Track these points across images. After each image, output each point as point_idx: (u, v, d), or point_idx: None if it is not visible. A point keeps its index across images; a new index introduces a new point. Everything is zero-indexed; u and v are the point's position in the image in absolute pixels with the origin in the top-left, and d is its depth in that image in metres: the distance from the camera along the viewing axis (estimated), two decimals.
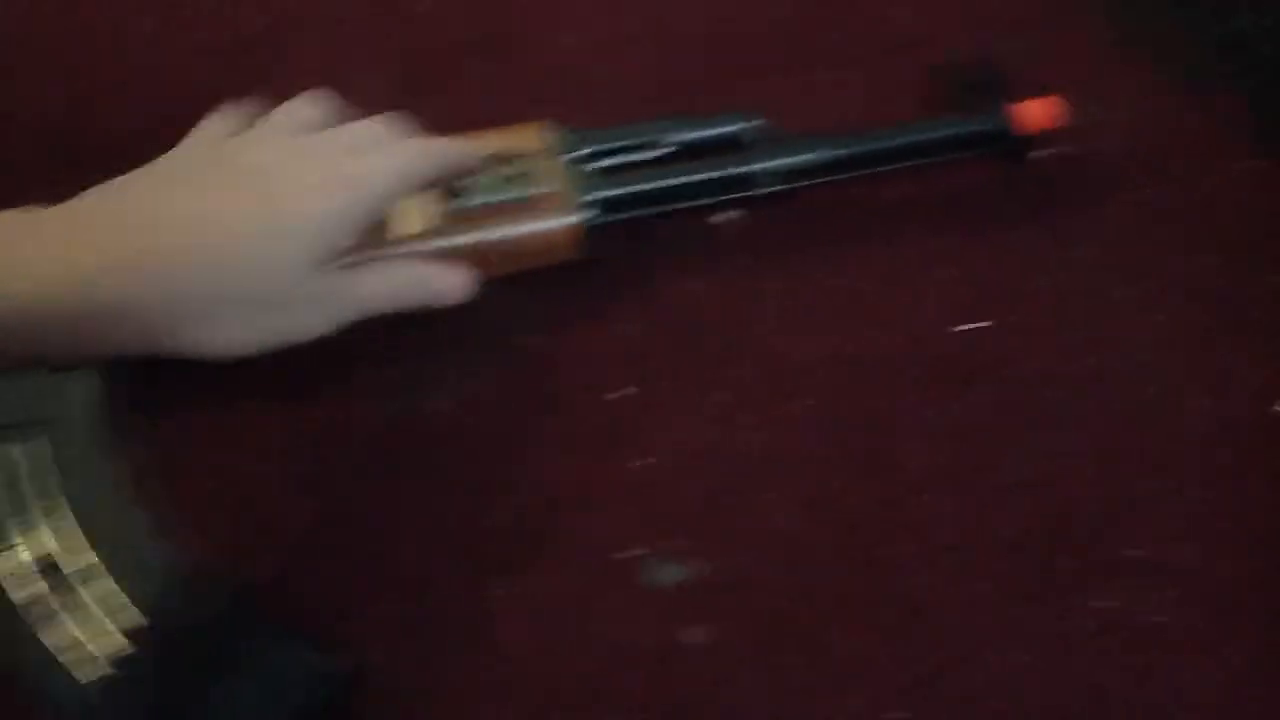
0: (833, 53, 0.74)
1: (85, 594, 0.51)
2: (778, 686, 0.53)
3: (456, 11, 0.75)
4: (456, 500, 0.58)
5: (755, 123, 0.67)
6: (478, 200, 0.61)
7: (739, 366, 0.62)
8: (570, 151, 0.63)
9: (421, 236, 0.60)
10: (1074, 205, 0.68)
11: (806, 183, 0.66)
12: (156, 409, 0.57)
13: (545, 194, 0.61)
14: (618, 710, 0.53)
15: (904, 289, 0.65)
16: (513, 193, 0.61)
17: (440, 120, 0.59)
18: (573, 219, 0.62)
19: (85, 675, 0.49)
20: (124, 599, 0.51)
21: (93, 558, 0.52)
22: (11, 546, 0.52)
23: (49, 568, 0.51)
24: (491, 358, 0.62)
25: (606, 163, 0.64)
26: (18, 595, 0.51)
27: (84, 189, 0.52)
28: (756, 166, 0.64)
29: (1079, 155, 0.69)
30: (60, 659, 0.49)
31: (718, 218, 0.67)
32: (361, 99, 0.58)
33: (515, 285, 0.60)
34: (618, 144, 0.65)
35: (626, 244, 0.64)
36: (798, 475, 0.59)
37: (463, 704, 0.52)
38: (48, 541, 0.52)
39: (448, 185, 0.60)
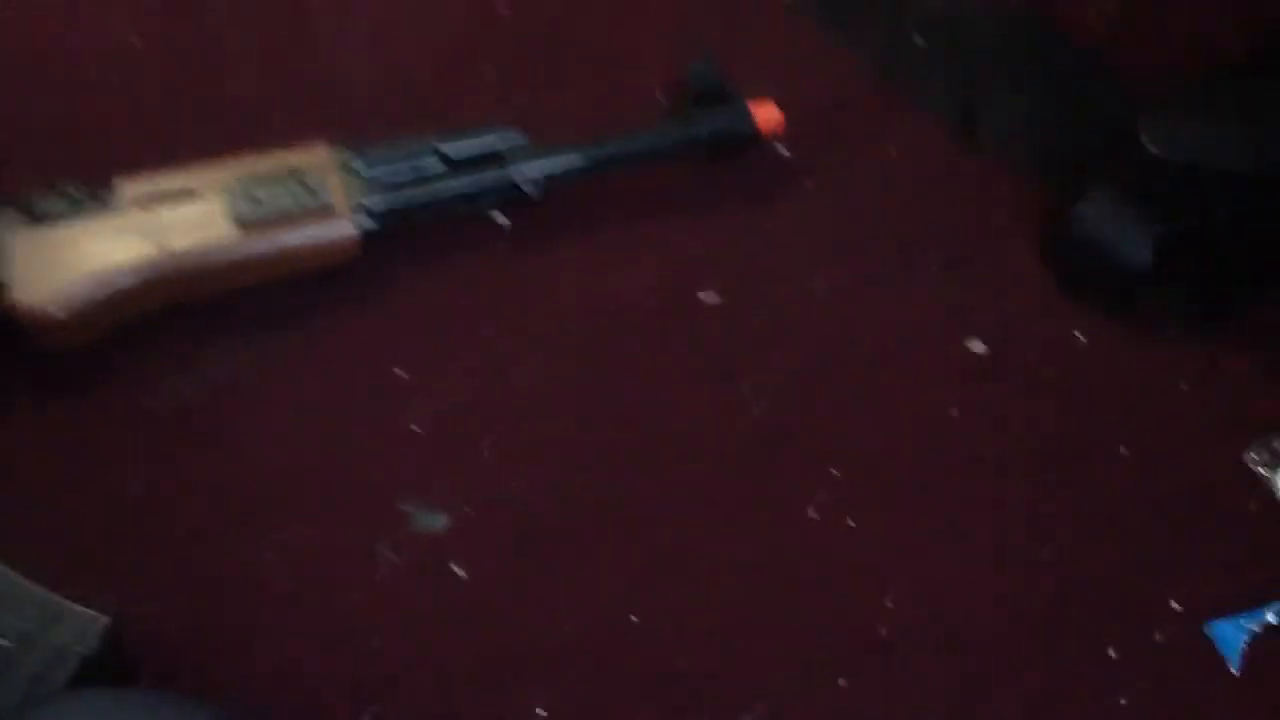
0: (571, 72, 0.85)
1: None
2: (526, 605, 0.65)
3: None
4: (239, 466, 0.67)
5: (513, 138, 0.77)
6: (264, 211, 0.70)
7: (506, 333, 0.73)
8: (348, 166, 0.73)
9: (215, 247, 0.69)
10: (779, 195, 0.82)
11: (563, 184, 0.76)
12: None
13: (325, 205, 0.71)
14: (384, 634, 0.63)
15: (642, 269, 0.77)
16: (296, 204, 0.71)
17: (229, 139, 0.68)
18: (351, 228, 0.71)
19: None
20: None
21: None
22: None
23: None
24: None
25: (382, 177, 0.74)
26: None
27: None
28: (518, 175, 0.75)
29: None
30: None
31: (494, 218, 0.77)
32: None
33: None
34: (392, 160, 0.75)
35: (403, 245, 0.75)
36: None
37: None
38: None
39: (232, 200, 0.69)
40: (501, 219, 0.78)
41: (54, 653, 0.57)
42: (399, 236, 0.74)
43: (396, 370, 0.72)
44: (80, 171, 0.70)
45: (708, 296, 0.78)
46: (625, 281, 0.77)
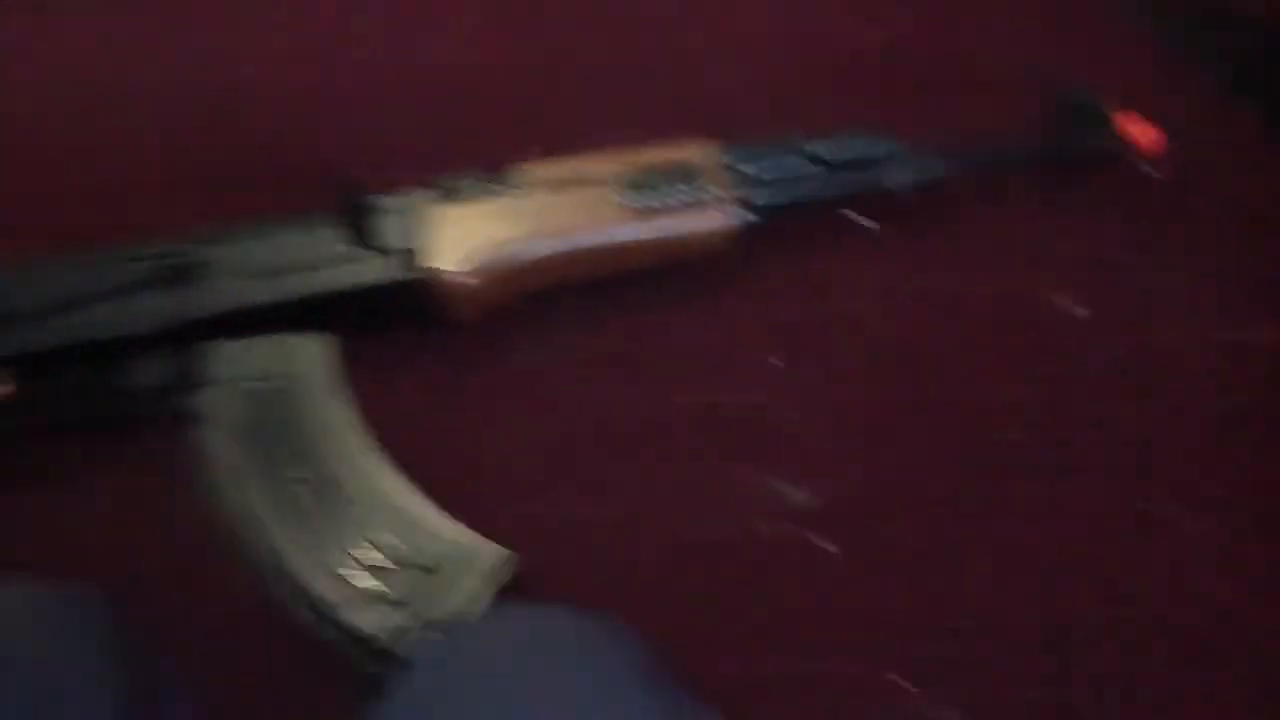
0: (935, 88, 0.86)
1: None
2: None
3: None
4: None
5: (884, 140, 0.78)
6: (652, 199, 0.73)
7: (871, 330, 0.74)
8: (728, 162, 0.76)
9: (608, 230, 0.73)
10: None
11: (931, 189, 0.77)
12: None
13: (708, 197, 0.74)
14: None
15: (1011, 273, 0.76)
16: (680, 194, 0.74)
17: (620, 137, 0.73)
18: (730, 219, 0.74)
19: None
20: None
21: None
22: None
23: None
24: None
25: (762, 175, 0.76)
26: None
27: None
28: (888, 178, 0.76)
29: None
30: None
31: (860, 220, 0.78)
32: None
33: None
34: (773, 159, 0.77)
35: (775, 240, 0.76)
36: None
37: None
38: None
39: (623, 187, 0.73)
40: (867, 222, 0.79)
41: (471, 582, 0.60)
42: (771, 232, 0.76)
43: (772, 359, 0.73)
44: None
45: (1070, 307, 0.76)
46: (990, 286, 0.76)
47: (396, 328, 0.73)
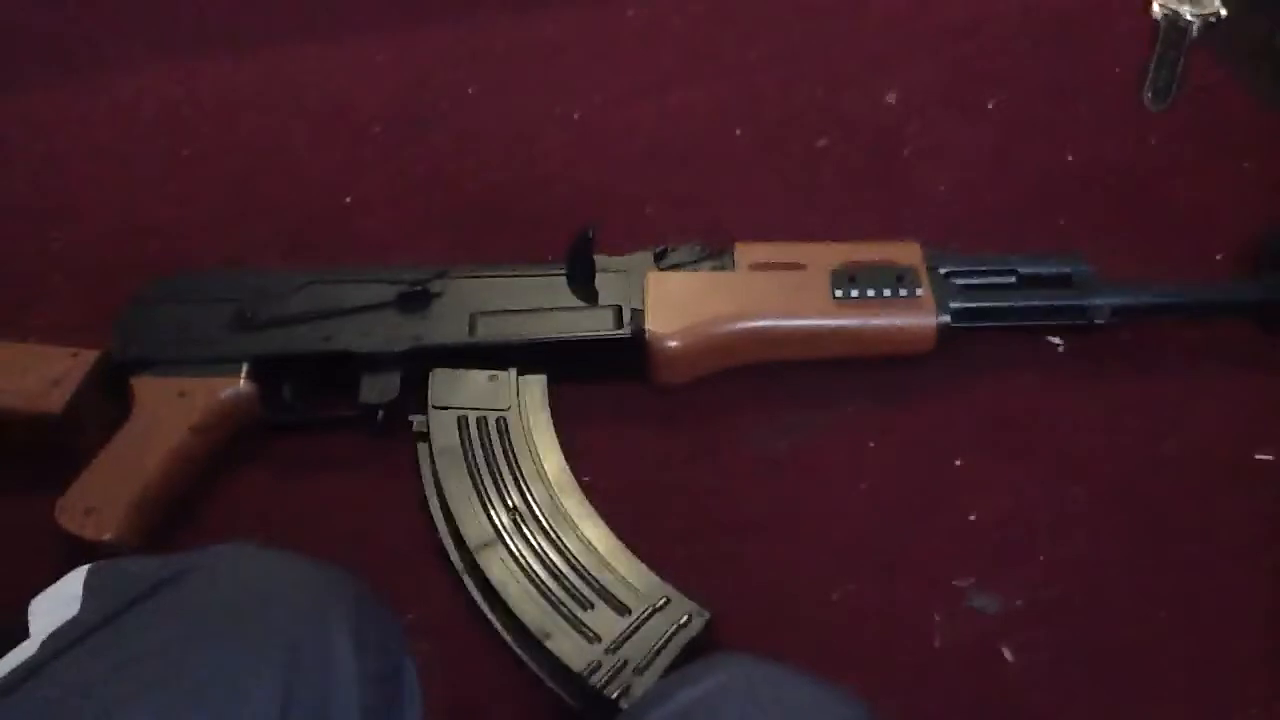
0: (1131, 220, 0.88)
1: None
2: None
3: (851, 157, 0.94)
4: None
5: (1084, 268, 0.81)
6: (860, 291, 0.77)
7: (1057, 451, 0.76)
8: (935, 267, 0.79)
9: (814, 316, 0.77)
10: None
11: (1126, 319, 0.79)
12: None
13: (913, 296, 0.77)
14: None
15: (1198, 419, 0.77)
16: (887, 290, 0.77)
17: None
18: (932, 320, 0.77)
19: None
20: None
21: None
22: None
23: None
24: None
25: (961, 281, 0.80)
26: None
27: None
28: (1094, 300, 0.78)
29: None
30: None
31: (1052, 338, 0.81)
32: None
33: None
34: (972, 267, 0.80)
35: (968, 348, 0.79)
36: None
37: None
38: None
39: (833, 277, 0.77)
40: (1056, 340, 0.81)
41: (662, 631, 0.64)
42: (966, 338, 0.79)
43: (957, 461, 0.75)
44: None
45: (1267, 457, 0.76)
46: (1180, 428, 0.77)
47: (605, 378, 0.78)
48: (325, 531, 0.72)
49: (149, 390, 0.73)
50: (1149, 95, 1.00)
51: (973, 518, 0.73)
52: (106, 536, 0.67)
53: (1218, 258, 0.86)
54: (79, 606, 0.49)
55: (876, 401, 0.78)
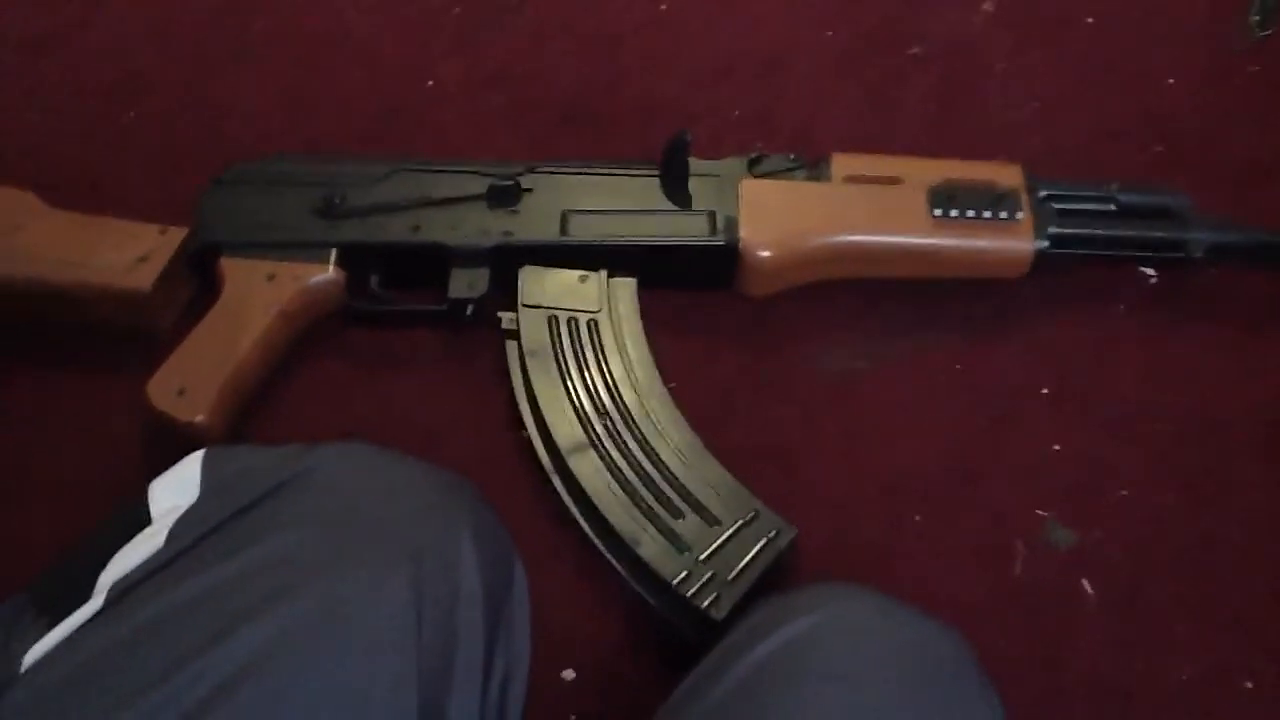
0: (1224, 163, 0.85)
1: None
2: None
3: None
4: None
5: (1184, 200, 0.79)
6: (959, 211, 0.75)
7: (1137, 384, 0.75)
8: (1035, 190, 0.77)
9: (910, 233, 0.75)
10: None
11: (1224, 259, 0.77)
12: None
13: (1012, 217, 0.75)
14: None
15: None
16: (987, 211, 0.75)
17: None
18: (1029, 244, 0.75)
19: None
20: None
21: None
22: None
23: None
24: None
25: (1061, 205, 0.78)
26: None
27: None
28: (1192, 234, 0.76)
29: None
30: None
31: (1145, 270, 0.79)
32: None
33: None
34: (1073, 191, 0.78)
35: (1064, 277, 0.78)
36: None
37: None
38: None
39: (933, 194, 0.75)
40: (1150, 272, 0.80)
41: (751, 545, 0.64)
42: (1060, 265, 0.77)
43: (1044, 390, 0.75)
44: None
45: None
46: (1260, 376, 0.76)
47: (694, 285, 0.77)
48: (406, 427, 0.72)
49: (239, 272, 0.72)
50: (1255, 19, 0.97)
51: (1057, 447, 0.72)
52: (199, 419, 0.67)
53: None
54: (198, 493, 0.49)
55: (965, 327, 0.77)
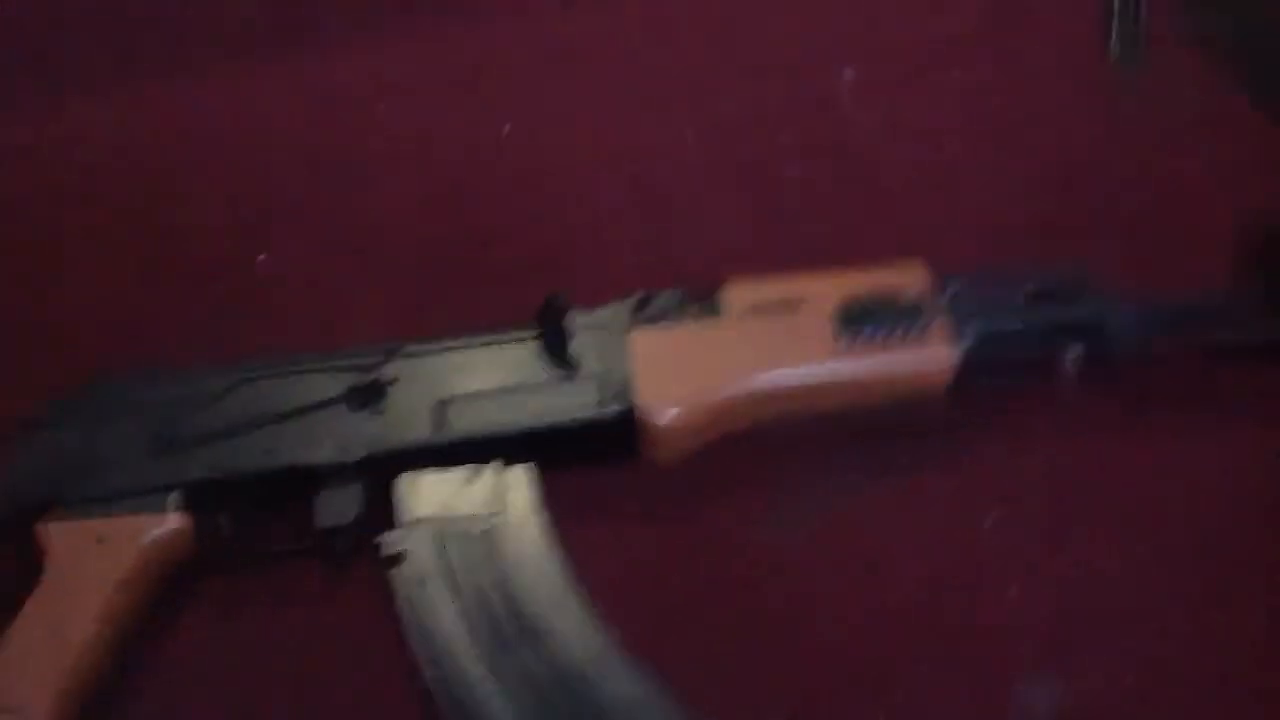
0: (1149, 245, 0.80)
1: None
2: None
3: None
4: None
5: (1084, 269, 0.72)
6: (867, 330, 0.68)
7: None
8: (945, 289, 0.70)
9: (820, 362, 0.68)
10: None
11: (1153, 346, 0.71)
12: None
13: (925, 328, 0.68)
14: None
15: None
16: (898, 326, 0.68)
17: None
18: (950, 349, 0.68)
19: None
20: None
21: None
22: None
23: None
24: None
25: (972, 301, 0.71)
26: None
27: None
28: (1113, 308, 0.70)
29: None
30: None
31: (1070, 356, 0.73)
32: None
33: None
34: (982, 284, 0.71)
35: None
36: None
37: None
38: None
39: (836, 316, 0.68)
40: (1070, 358, 0.74)
41: None
42: (986, 374, 0.70)
43: (995, 520, 0.68)
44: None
45: None
46: (1218, 467, 0.71)
47: (600, 463, 0.68)
48: (283, 682, 0.62)
49: (62, 538, 0.61)
50: (1114, 51, 0.93)
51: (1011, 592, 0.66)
52: None
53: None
54: None
55: (888, 470, 0.70)
